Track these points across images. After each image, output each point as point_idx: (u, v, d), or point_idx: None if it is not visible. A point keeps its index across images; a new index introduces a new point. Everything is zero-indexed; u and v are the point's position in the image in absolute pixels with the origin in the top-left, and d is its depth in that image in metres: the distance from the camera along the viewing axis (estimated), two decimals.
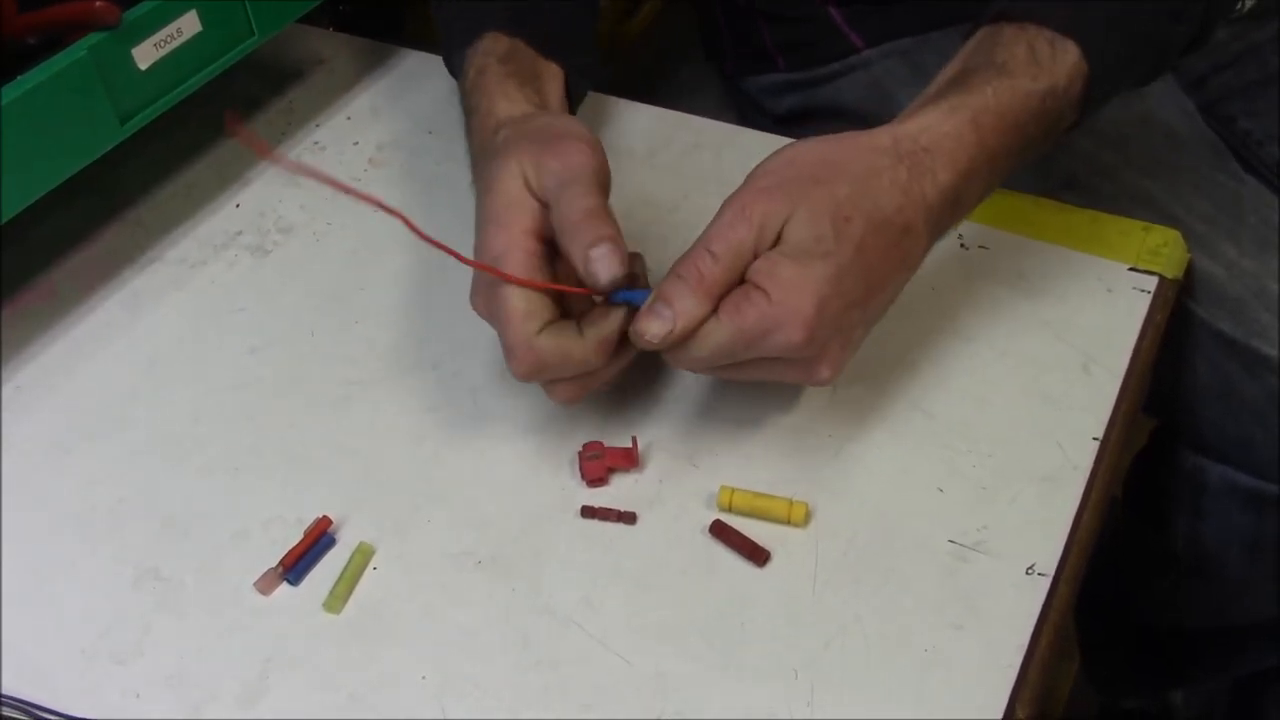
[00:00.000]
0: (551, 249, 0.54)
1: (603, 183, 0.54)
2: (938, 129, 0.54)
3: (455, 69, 0.68)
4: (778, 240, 0.51)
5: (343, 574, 0.54)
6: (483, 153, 0.59)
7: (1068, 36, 0.56)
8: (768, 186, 0.51)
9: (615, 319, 0.53)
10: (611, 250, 0.51)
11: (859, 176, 0.51)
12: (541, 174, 0.53)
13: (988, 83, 0.55)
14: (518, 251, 0.52)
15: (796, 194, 0.51)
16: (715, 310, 0.50)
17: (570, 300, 0.54)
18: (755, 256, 0.51)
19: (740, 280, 0.51)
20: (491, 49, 0.64)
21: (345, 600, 0.53)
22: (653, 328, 0.50)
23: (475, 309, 0.55)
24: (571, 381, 0.54)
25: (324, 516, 0.55)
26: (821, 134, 0.54)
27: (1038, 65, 0.56)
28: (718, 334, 0.50)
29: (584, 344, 0.52)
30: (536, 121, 0.58)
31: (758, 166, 0.54)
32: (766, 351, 0.51)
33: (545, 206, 0.53)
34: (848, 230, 0.50)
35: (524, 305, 0.52)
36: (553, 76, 0.65)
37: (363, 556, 0.54)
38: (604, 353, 0.53)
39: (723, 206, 0.52)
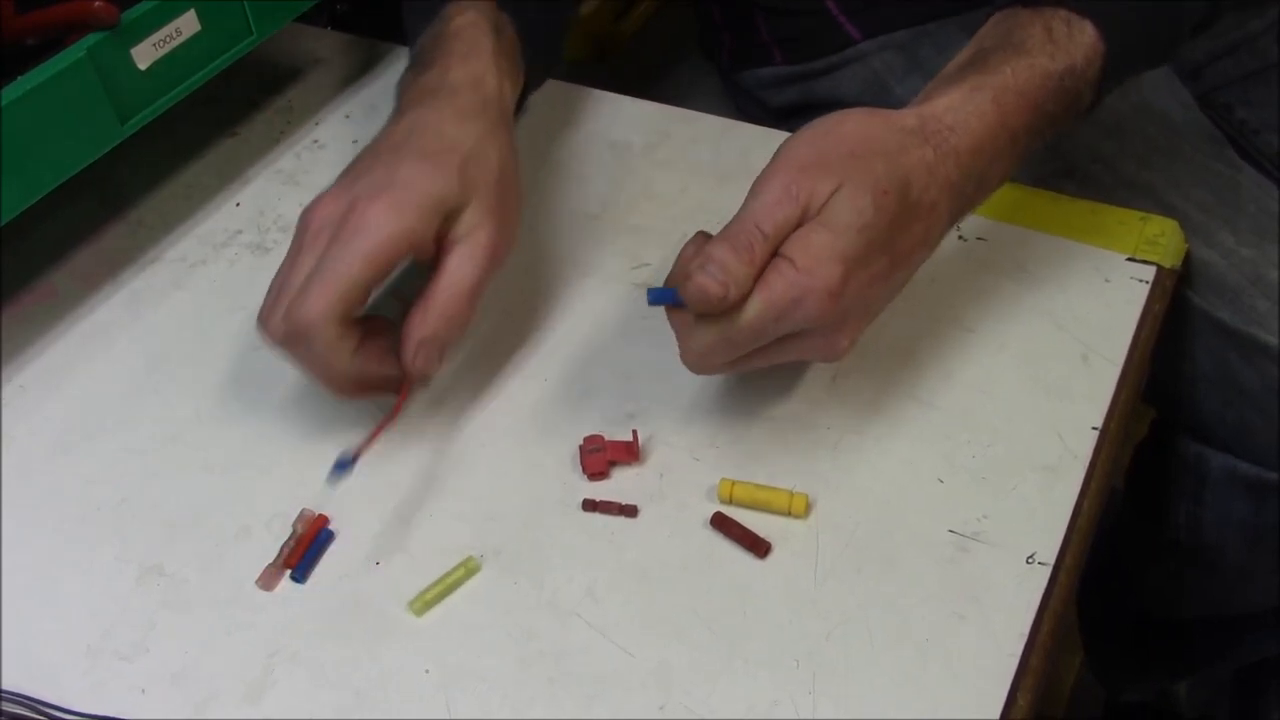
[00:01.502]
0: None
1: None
2: (961, 109, 0.54)
3: (419, 9, 0.66)
4: (819, 213, 0.50)
5: (441, 580, 0.53)
6: (451, 103, 0.59)
7: (1084, 17, 0.56)
8: (808, 163, 0.51)
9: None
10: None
11: (891, 153, 0.51)
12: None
13: (1006, 62, 0.55)
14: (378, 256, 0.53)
15: (839, 169, 0.50)
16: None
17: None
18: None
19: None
20: (486, 13, 0.63)
21: (431, 605, 0.53)
22: (711, 287, 0.49)
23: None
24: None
25: (320, 514, 0.56)
26: None
27: (1055, 45, 0.56)
28: (749, 311, 0.50)
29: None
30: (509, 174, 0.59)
31: (789, 140, 0.53)
32: (794, 325, 0.50)
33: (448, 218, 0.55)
34: (885, 204, 0.50)
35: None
36: (518, 78, 0.66)
37: (465, 572, 0.53)
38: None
39: (761, 182, 0.51)
